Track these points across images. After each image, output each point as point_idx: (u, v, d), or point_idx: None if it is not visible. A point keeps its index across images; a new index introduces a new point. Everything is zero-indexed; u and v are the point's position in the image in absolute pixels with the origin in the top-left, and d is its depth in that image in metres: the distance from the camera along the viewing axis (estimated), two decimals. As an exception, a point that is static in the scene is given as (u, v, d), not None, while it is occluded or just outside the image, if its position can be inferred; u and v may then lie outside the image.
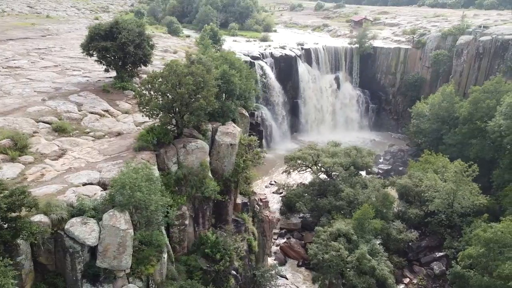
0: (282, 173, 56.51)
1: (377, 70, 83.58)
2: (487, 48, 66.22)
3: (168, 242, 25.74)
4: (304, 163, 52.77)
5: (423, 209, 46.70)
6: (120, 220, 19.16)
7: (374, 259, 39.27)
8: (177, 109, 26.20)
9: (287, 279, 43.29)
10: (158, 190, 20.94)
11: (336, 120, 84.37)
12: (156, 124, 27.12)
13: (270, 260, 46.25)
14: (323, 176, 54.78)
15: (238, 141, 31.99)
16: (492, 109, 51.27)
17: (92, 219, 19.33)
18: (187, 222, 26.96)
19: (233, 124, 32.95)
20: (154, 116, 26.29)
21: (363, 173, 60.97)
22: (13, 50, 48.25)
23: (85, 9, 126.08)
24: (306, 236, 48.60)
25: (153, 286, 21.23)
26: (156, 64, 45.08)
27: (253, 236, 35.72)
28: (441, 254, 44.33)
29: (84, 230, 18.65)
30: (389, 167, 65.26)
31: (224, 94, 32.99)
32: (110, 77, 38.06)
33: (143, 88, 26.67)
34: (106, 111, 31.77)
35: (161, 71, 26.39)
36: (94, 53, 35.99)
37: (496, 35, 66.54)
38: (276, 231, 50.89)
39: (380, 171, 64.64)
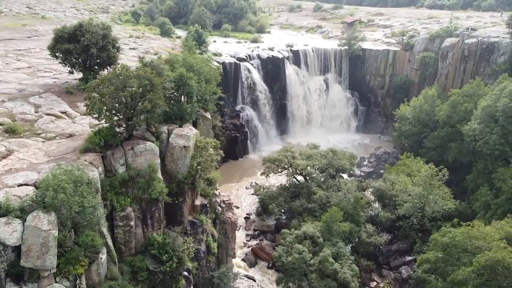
0: (261, 175, 56.61)
1: (366, 72, 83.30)
2: (472, 50, 65.61)
3: (111, 242, 26.18)
4: (280, 165, 52.81)
5: (395, 213, 46.52)
6: (43, 221, 19.55)
7: (338, 262, 39.23)
8: (124, 111, 26.56)
9: (254, 280, 43.44)
10: (88, 192, 21.31)
11: (325, 122, 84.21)
12: (104, 126, 27.51)
13: (240, 262, 46.59)
14: (300, 178, 54.81)
15: (194, 143, 32.31)
16: (469, 113, 50.87)
17: (17, 219, 19.75)
18: (132, 223, 27.26)
19: (190, 127, 33.27)
20: (101, 119, 26.69)
21: (345, 175, 61.11)
22: (-9, 51, 49.19)
23: (85, 10, 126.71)
24: (279, 238, 48.55)
25: (81, 286, 21.51)
26: (132, 66, 45.48)
27: (213, 237, 35.97)
28: (410, 258, 44.15)
29: (5, 230, 19.05)
30: (371, 170, 65.06)
31: (182, 97, 33.37)
32: (78, 79, 38.61)
33: (92, 90, 27.12)
34: (64, 112, 32.31)
35: (107, 74, 26.82)
36: (60, 55, 36.57)
37: (482, 37, 65.92)
38: (250, 232, 51.26)
39: (362, 174, 64.46)
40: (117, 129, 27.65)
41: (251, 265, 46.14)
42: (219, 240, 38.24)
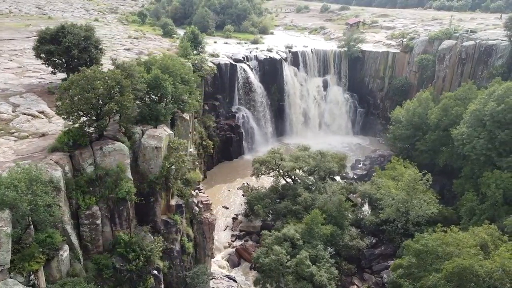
0: (251, 176, 56.74)
1: (366, 74, 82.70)
2: (470, 53, 64.58)
3: (75, 240, 26.74)
4: (268, 166, 52.96)
5: (379, 217, 46.21)
6: (-6, 218, 20.18)
7: (316, 265, 39.22)
8: (91, 112, 27.12)
9: (235, 281, 43.64)
10: (43, 190, 21.85)
11: (323, 124, 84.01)
12: (73, 126, 28.09)
13: (223, 262, 46.92)
14: (289, 180, 54.86)
15: (167, 144, 32.73)
16: (460, 117, 50.18)
17: (-28, 216, 20.44)
18: (98, 221, 27.77)
19: (165, 127, 33.65)
20: (70, 119, 27.27)
21: (337, 178, 60.95)
22: (-13, 51, 50.52)
23: (94, 10, 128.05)
24: (263, 239, 48.76)
25: (36, 281, 22.07)
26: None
27: (188, 237, 36.33)
28: (393, 262, 43.69)
29: (-42, 227, 19.74)
30: (365, 173, 64.62)
31: (157, 98, 33.81)
32: (61, 79, 39.42)
33: (63, 91, 27.79)
34: (42, 112, 33.08)
35: (74, 76, 27.41)
36: (43, 56, 37.41)
37: (481, 40, 64.83)
38: (236, 233, 51.52)
39: (355, 176, 64.16)
40: (88, 130, 28.28)
41: (234, 265, 46.44)
42: (197, 240, 38.63)
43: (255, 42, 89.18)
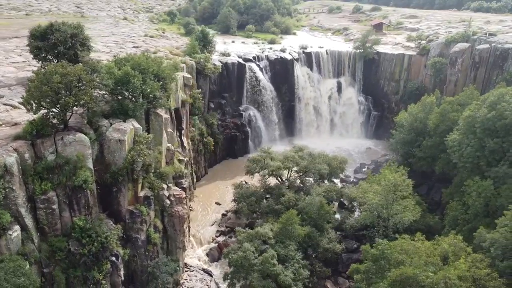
0: (245, 174, 57.37)
1: (381, 76, 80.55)
2: (484, 57, 61.30)
3: (30, 222, 28.81)
4: (258, 165, 53.45)
5: (360, 221, 45.41)
6: None
7: (285, 265, 39.36)
8: (49, 104, 29.16)
9: (211, 276, 44.63)
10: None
11: (335, 126, 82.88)
12: (38, 117, 30.29)
13: (204, 256, 48.03)
14: (280, 180, 55.07)
15: (131, 137, 34.32)
16: (456, 123, 48.03)
17: None
18: (54, 206, 29.71)
19: (133, 122, 35.24)
20: (31, 109, 29.46)
21: (337, 180, 60.42)
22: (4, 46, 54.67)
23: (130, 9, 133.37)
24: (246, 237, 49.29)
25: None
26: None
27: (155, 228, 37.71)
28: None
29: None
30: (365, 176, 63.17)
31: (127, 93, 35.47)
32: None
33: (30, 84, 30.08)
34: (23, 103, 35.66)
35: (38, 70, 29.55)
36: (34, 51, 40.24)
37: (497, 43, 61.39)
38: (222, 229, 52.44)
39: (355, 180, 63.05)
40: (53, 121, 30.39)
41: (214, 260, 47.39)
42: (168, 232, 39.96)
43: (272, 42, 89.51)
